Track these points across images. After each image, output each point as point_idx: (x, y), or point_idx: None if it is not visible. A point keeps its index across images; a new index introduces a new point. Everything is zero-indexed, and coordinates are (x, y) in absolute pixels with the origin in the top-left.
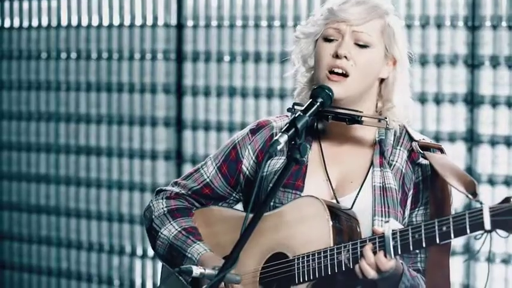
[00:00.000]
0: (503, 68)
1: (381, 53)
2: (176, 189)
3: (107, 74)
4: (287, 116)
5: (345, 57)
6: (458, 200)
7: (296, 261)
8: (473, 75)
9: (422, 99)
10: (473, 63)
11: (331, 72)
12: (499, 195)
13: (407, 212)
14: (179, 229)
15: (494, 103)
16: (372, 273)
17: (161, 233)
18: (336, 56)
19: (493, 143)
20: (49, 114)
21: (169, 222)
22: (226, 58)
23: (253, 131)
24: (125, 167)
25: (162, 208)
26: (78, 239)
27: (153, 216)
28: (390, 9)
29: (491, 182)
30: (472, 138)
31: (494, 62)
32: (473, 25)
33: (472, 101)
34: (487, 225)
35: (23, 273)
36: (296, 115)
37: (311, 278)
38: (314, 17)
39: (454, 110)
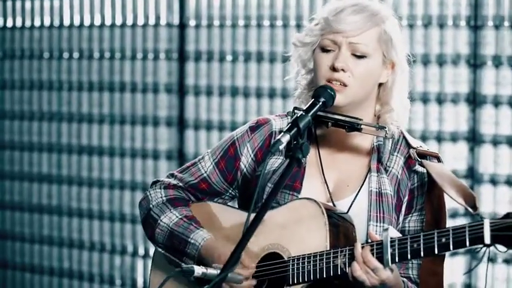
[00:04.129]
0: (505, 67)
1: (379, 60)
2: (173, 181)
3: (109, 73)
4: (286, 115)
5: (342, 69)
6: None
7: (291, 263)
8: (475, 75)
9: (424, 98)
10: (475, 63)
11: (329, 81)
12: (501, 196)
13: (401, 218)
14: (180, 216)
15: (496, 103)
16: (363, 277)
17: (161, 220)
18: (333, 68)
19: (495, 142)
20: (51, 114)
21: (170, 210)
22: (229, 58)
23: (253, 129)
24: (127, 167)
25: (161, 197)
26: (80, 239)
27: (151, 206)
28: (387, 15)
29: (493, 181)
30: (474, 138)
31: (497, 62)
32: (475, 25)
33: (474, 100)
34: (487, 239)
35: (25, 273)
36: (298, 115)
37: (305, 280)
38: (310, 25)
39: (456, 109)
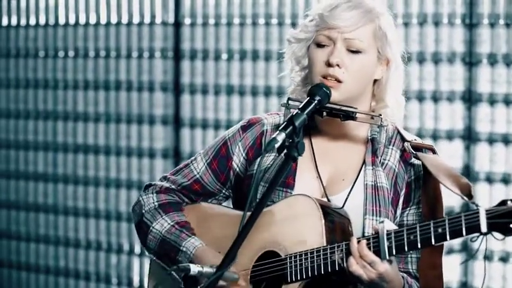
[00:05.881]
0: (500, 65)
1: (374, 56)
2: (166, 184)
3: (105, 72)
4: (278, 113)
5: (337, 65)
6: (452, 200)
7: (288, 260)
8: (471, 73)
9: (419, 97)
10: (471, 61)
11: (325, 77)
12: (497, 193)
13: (398, 212)
14: (172, 223)
15: (492, 101)
16: (360, 272)
17: (153, 227)
18: (328, 64)
19: (491, 140)
20: (47, 113)
21: (161, 216)
22: (224, 56)
23: (244, 128)
24: (123, 165)
25: (153, 202)
26: (76, 237)
27: (144, 211)
28: (382, 11)
29: (489, 180)
30: (469, 136)
31: (492, 60)
32: (470, 23)
33: (470, 98)
34: (483, 227)
35: (21, 272)
36: (294, 113)
37: (303, 277)
38: (305, 21)
39: (451, 108)
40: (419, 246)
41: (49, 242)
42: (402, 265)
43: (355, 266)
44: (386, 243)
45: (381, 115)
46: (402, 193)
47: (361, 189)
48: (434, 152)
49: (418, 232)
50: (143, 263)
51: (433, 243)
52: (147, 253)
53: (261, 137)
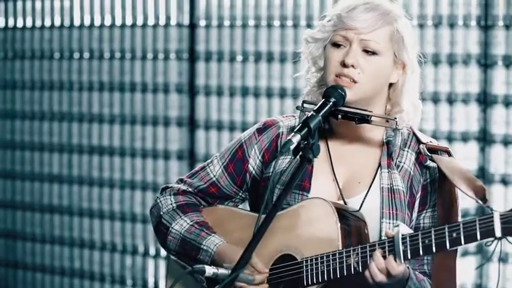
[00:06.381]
0: None
1: (390, 59)
2: (183, 186)
3: (120, 73)
4: (294, 116)
5: (352, 65)
6: (467, 202)
7: (304, 264)
8: (486, 75)
9: (435, 99)
10: (486, 62)
11: (338, 76)
12: None
13: (414, 215)
14: (191, 223)
15: (507, 103)
16: (380, 277)
17: (172, 227)
18: (344, 64)
19: (506, 142)
20: (62, 114)
21: (180, 217)
22: (239, 58)
23: (260, 131)
24: (138, 167)
25: (171, 204)
26: (91, 239)
27: (162, 213)
28: (399, 14)
29: (504, 182)
30: (484, 138)
31: (507, 62)
32: (486, 25)
33: (485, 100)
34: (498, 232)
35: (36, 273)
36: (309, 115)
37: (319, 280)
38: (323, 21)
39: (466, 109)
40: (434, 250)
41: (64, 244)
42: (418, 266)
43: (380, 276)
44: (401, 247)
45: (395, 118)
46: (418, 196)
47: (377, 192)
48: (449, 154)
49: (433, 236)
50: (158, 265)
51: (448, 247)
52: (166, 254)
53: (277, 140)
